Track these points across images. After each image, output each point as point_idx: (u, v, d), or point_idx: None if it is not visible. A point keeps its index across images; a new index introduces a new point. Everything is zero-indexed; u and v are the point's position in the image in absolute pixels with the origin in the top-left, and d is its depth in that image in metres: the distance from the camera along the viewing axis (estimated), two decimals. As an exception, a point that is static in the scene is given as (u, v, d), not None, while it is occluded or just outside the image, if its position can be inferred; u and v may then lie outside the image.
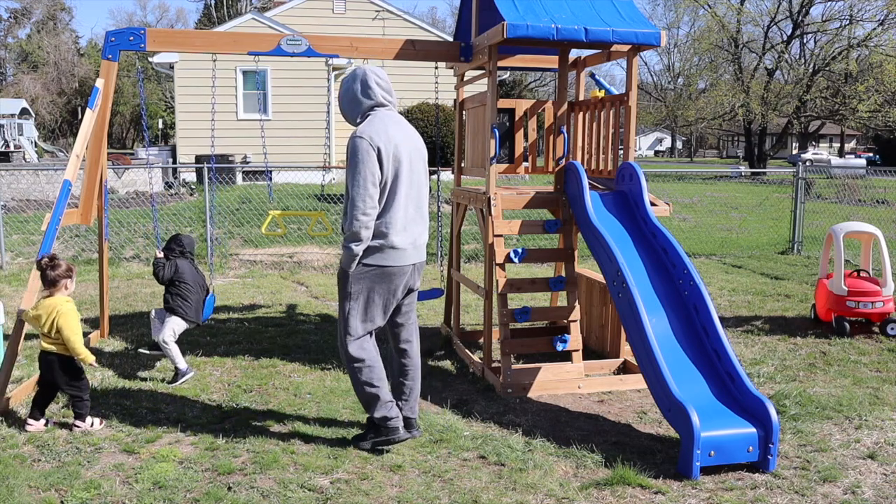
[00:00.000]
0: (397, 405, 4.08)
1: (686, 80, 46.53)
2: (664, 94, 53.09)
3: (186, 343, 5.77)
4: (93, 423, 4.32)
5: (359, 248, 3.81)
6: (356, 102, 4.03)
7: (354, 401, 4.60)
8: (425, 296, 6.28)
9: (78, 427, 4.28)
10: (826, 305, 6.78)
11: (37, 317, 4.27)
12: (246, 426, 4.35)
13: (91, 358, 4.26)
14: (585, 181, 5.13)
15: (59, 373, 4.26)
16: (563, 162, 5.45)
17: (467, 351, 5.83)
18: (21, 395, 4.71)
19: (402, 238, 3.90)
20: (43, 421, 4.31)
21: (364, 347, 3.98)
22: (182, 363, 5.16)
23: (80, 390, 4.30)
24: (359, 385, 3.99)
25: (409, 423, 4.15)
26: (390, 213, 3.85)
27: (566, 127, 5.54)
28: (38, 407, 4.34)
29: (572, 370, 5.11)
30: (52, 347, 4.25)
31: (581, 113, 5.89)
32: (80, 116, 45.28)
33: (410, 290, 4.13)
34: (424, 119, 15.92)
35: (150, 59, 23.28)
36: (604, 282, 5.32)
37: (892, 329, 6.52)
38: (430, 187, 4.20)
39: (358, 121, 4.03)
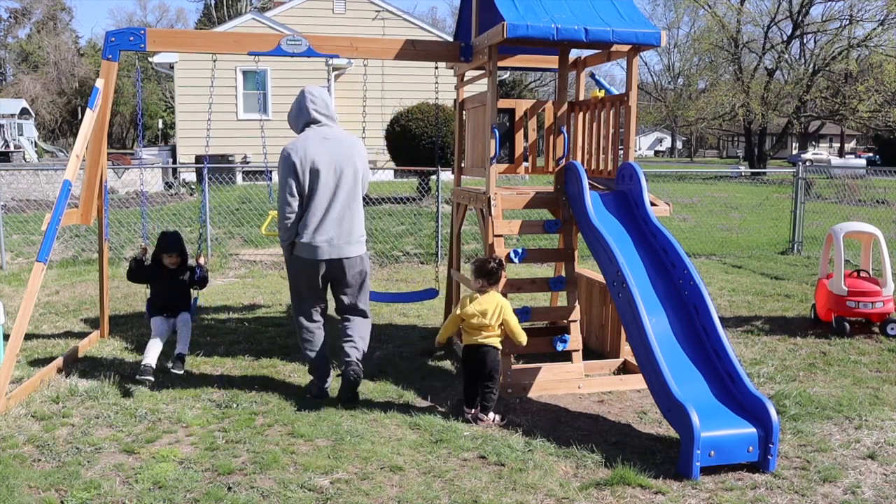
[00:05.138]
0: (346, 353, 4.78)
1: (686, 80, 46.55)
2: (664, 94, 53.04)
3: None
4: (494, 419, 4.46)
5: (284, 243, 4.79)
6: (296, 119, 4.88)
7: (354, 401, 4.61)
8: (420, 296, 6.28)
9: (482, 420, 4.43)
10: (826, 305, 6.78)
11: (483, 311, 4.41)
12: (246, 426, 4.35)
13: (525, 338, 4.54)
14: (585, 181, 5.13)
15: (494, 364, 4.44)
16: (563, 162, 5.45)
17: (467, 351, 5.82)
18: (21, 395, 4.71)
19: (315, 237, 4.65)
20: (492, 416, 4.47)
21: (303, 318, 4.84)
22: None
23: (496, 383, 4.48)
24: (301, 348, 4.90)
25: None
26: (306, 215, 4.66)
27: (566, 127, 5.54)
28: (472, 401, 4.50)
29: (572, 370, 5.11)
30: (494, 341, 4.46)
31: (581, 113, 5.88)
32: (80, 116, 45.28)
33: (341, 283, 4.79)
34: (424, 119, 15.83)
35: (150, 59, 23.30)
36: (604, 282, 5.32)
37: (892, 329, 6.52)
38: (366, 193, 4.91)
39: (298, 134, 4.80)
